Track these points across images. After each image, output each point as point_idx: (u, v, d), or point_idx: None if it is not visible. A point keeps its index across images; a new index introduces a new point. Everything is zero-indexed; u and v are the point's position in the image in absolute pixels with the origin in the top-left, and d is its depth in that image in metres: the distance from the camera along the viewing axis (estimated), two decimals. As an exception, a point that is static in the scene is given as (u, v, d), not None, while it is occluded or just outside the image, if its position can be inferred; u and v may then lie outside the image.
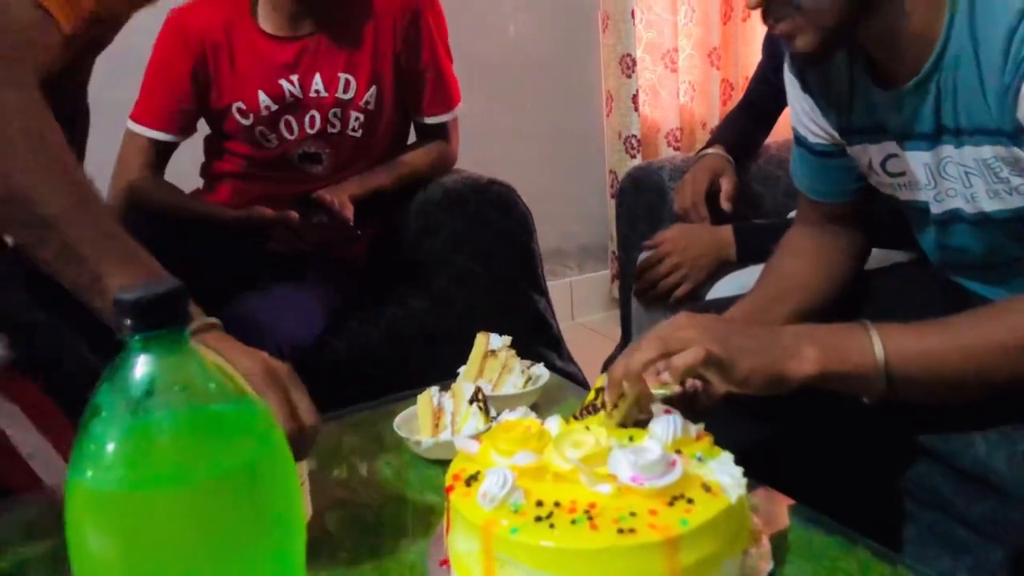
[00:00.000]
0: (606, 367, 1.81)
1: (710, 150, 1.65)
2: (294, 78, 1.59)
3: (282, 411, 0.77)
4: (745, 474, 0.72)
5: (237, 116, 1.60)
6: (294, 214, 1.51)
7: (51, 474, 0.93)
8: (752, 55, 2.76)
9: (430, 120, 1.72)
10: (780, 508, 0.84)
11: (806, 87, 1.12)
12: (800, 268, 1.16)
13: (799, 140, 1.17)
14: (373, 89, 1.62)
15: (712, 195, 1.57)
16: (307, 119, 1.61)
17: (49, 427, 0.95)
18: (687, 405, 0.99)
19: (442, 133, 1.76)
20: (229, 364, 0.74)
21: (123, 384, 0.41)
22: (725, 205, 1.55)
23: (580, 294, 2.90)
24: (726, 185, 1.57)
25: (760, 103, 1.75)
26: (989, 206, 0.99)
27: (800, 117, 1.14)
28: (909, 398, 0.90)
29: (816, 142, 1.14)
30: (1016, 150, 0.91)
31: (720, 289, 1.44)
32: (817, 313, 1.13)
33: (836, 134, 1.11)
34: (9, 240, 0.90)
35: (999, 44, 0.88)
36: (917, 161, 1.03)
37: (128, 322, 0.40)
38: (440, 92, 1.70)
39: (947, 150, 0.99)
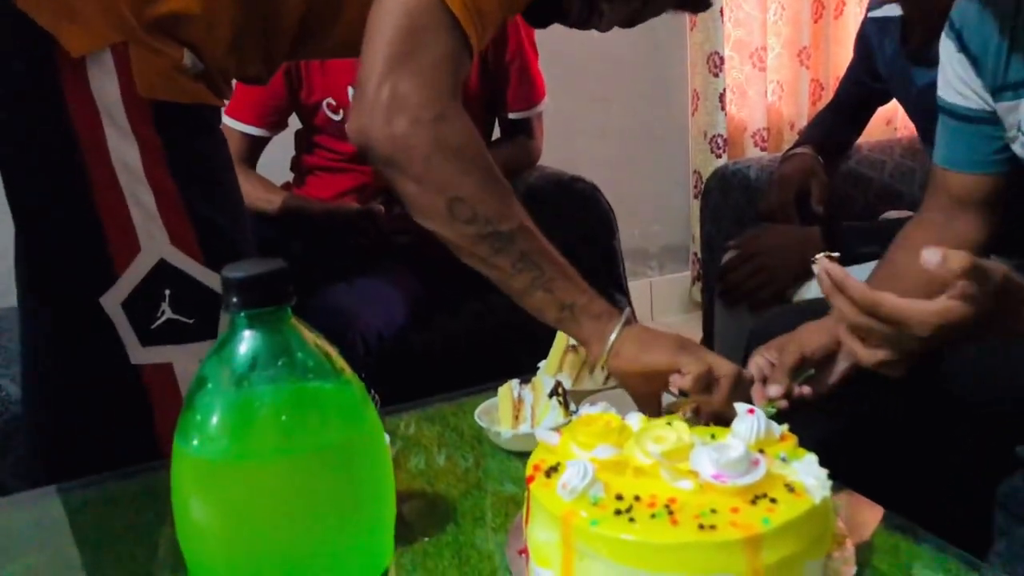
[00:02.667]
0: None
1: (799, 150, 1.62)
2: None
3: None
4: (831, 477, 0.70)
5: (327, 111, 1.64)
6: (379, 207, 1.54)
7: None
8: (843, 54, 2.69)
9: (514, 115, 1.73)
10: (868, 515, 0.82)
11: (962, 46, 1.10)
12: (915, 264, 1.14)
13: (944, 108, 1.16)
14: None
15: (801, 196, 1.54)
16: None
17: None
18: (794, 407, 1.00)
19: (526, 129, 1.76)
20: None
21: (229, 358, 0.43)
22: (817, 207, 1.52)
23: (660, 295, 2.87)
24: (816, 186, 1.54)
25: (851, 103, 1.71)
26: None
27: (950, 80, 1.13)
28: None
29: (961, 104, 1.13)
30: None
31: (808, 292, 1.42)
32: None
33: (988, 96, 1.09)
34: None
35: None
36: None
37: (235, 299, 0.42)
38: (524, 87, 1.71)
39: None
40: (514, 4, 0.97)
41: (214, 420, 0.43)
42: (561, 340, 1.05)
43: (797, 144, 1.66)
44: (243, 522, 0.42)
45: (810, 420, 1.09)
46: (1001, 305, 0.84)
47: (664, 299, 2.87)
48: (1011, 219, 1.15)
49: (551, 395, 0.94)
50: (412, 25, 0.87)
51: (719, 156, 2.68)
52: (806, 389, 1.02)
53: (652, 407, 0.96)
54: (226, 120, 1.70)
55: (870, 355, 0.90)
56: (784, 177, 1.55)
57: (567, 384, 1.00)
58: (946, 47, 1.13)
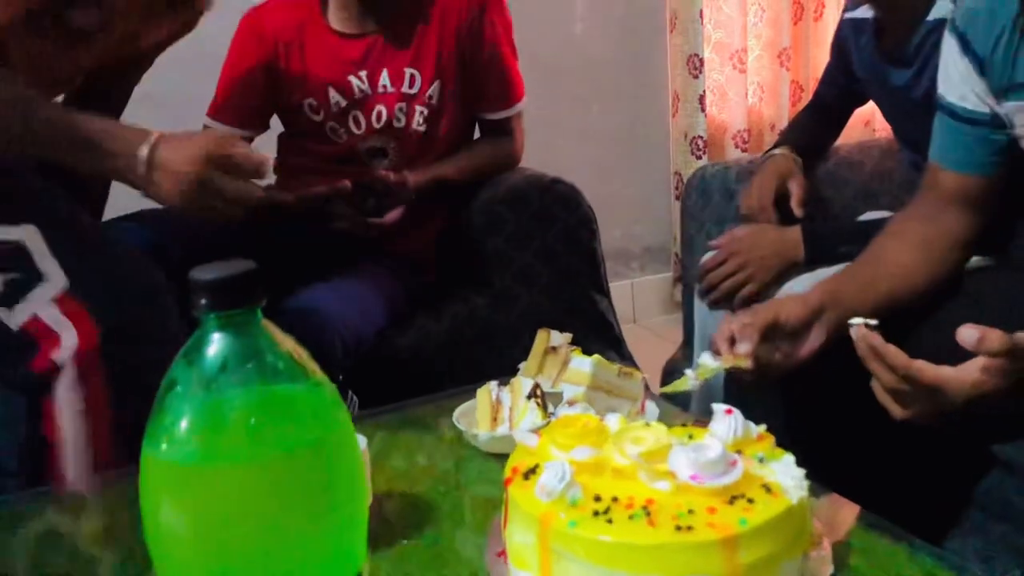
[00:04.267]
0: (667, 371, 1.80)
1: (777, 151, 1.63)
2: (363, 74, 1.62)
3: None
4: (808, 477, 0.71)
5: (308, 112, 1.63)
6: (346, 182, 1.50)
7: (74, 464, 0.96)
8: (823, 56, 2.70)
9: (493, 116, 1.73)
10: (845, 514, 0.82)
11: (965, 48, 1.11)
12: (901, 253, 1.15)
13: (943, 106, 1.17)
14: (437, 84, 1.63)
15: (780, 198, 1.55)
16: (374, 114, 1.63)
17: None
18: (762, 373, 1.01)
19: (505, 129, 1.76)
20: None
21: (198, 361, 0.43)
22: (796, 209, 1.53)
23: (642, 296, 2.88)
24: (795, 187, 1.54)
25: (829, 105, 1.72)
26: None
27: (952, 81, 1.14)
28: None
29: (964, 106, 1.14)
30: None
31: (787, 291, 1.42)
32: (911, 302, 1.12)
33: (991, 97, 1.10)
34: None
35: None
36: None
37: (204, 301, 0.42)
38: (503, 87, 1.71)
39: None
40: None
41: (183, 424, 0.42)
42: (541, 342, 1.05)
43: (776, 145, 1.67)
44: (213, 526, 0.42)
45: (778, 406, 1.10)
46: None
47: (646, 300, 2.88)
48: (991, 219, 1.16)
49: (529, 397, 0.94)
50: None
51: (699, 157, 2.69)
52: (776, 355, 1.03)
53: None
54: (208, 122, 1.69)
55: (903, 412, 0.92)
56: (763, 179, 1.56)
57: (546, 386, 1.00)
58: (949, 48, 1.14)
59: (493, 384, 0.99)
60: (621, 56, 2.71)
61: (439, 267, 1.71)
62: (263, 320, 0.44)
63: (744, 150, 2.75)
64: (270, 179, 1.77)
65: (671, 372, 1.79)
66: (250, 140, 1.71)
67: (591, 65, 2.67)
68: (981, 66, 1.10)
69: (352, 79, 1.62)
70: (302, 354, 0.45)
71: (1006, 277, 1.20)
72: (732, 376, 1.07)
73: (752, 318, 1.04)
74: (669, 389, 1.02)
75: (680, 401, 1.28)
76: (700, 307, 1.57)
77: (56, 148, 0.97)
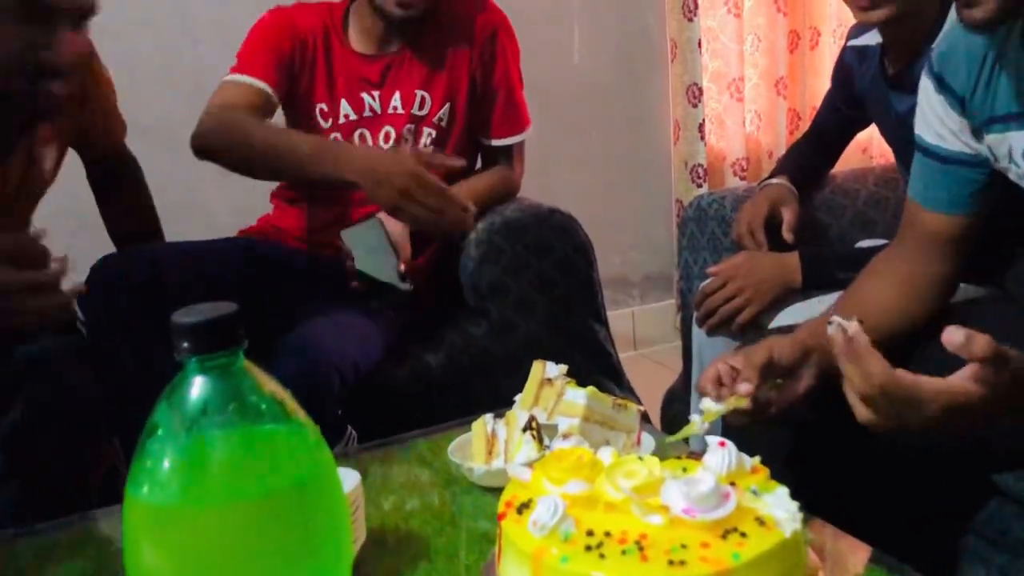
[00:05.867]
0: (667, 399, 1.80)
1: (773, 180, 1.63)
2: (376, 94, 1.64)
3: None
4: (802, 509, 0.70)
5: (319, 117, 1.65)
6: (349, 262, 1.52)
7: None
8: (819, 84, 2.73)
9: (498, 142, 1.74)
10: (856, 557, 0.82)
11: (942, 86, 1.12)
12: (883, 292, 1.15)
13: (922, 147, 1.17)
14: (447, 106, 1.65)
15: (774, 225, 1.55)
16: (382, 134, 1.65)
17: None
18: (760, 411, 1.00)
19: (507, 157, 1.77)
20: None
21: (179, 404, 0.43)
22: (787, 235, 1.53)
23: (643, 324, 2.88)
24: (788, 215, 1.55)
25: (827, 132, 1.73)
26: None
27: (929, 122, 1.14)
28: None
29: (941, 146, 1.14)
30: None
31: (784, 318, 1.42)
32: (895, 341, 1.11)
33: (970, 135, 1.11)
34: None
35: None
36: None
37: (185, 344, 0.42)
38: (510, 113, 1.72)
39: None
40: None
41: (164, 466, 0.43)
42: (536, 374, 1.05)
43: (772, 174, 1.67)
44: (195, 568, 0.42)
45: (775, 438, 1.09)
46: (1013, 393, 0.84)
47: (647, 328, 2.87)
48: (978, 249, 1.16)
49: (525, 430, 0.94)
50: None
51: (700, 185, 2.70)
52: (772, 394, 1.03)
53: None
54: (233, 76, 1.61)
55: (870, 417, 0.90)
56: (755, 206, 1.57)
57: (542, 418, 1.00)
58: (926, 89, 1.15)
59: (489, 417, 0.99)
60: (621, 85, 2.73)
61: (436, 297, 1.71)
62: (245, 362, 0.44)
63: (743, 178, 2.76)
64: (267, 207, 1.77)
65: (671, 401, 1.79)
66: (269, 105, 1.61)
67: (591, 94, 2.69)
68: (961, 104, 1.10)
69: (365, 97, 1.64)
70: (285, 395, 0.46)
71: (996, 311, 1.20)
72: (730, 423, 1.07)
73: (748, 358, 1.04)
74: (678, 436, 1.01)
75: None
76: (699, 335, 1.57)
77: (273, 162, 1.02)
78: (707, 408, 1.00)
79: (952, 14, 1.32)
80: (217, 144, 1.53)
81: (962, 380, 0.85)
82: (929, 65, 1.14)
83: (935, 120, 1.13)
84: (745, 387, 1.00)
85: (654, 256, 2.87)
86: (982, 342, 0.82)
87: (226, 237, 1.72)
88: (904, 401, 0.86)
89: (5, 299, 0.93)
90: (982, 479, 1.08)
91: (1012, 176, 1.09)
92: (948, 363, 1.07)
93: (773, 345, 1.06)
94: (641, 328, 2.87)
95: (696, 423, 0.99)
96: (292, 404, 0.46)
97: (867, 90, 1.53)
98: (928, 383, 0.86)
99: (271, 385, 0.45)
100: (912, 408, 0.86)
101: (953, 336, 0.82)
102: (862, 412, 0.90)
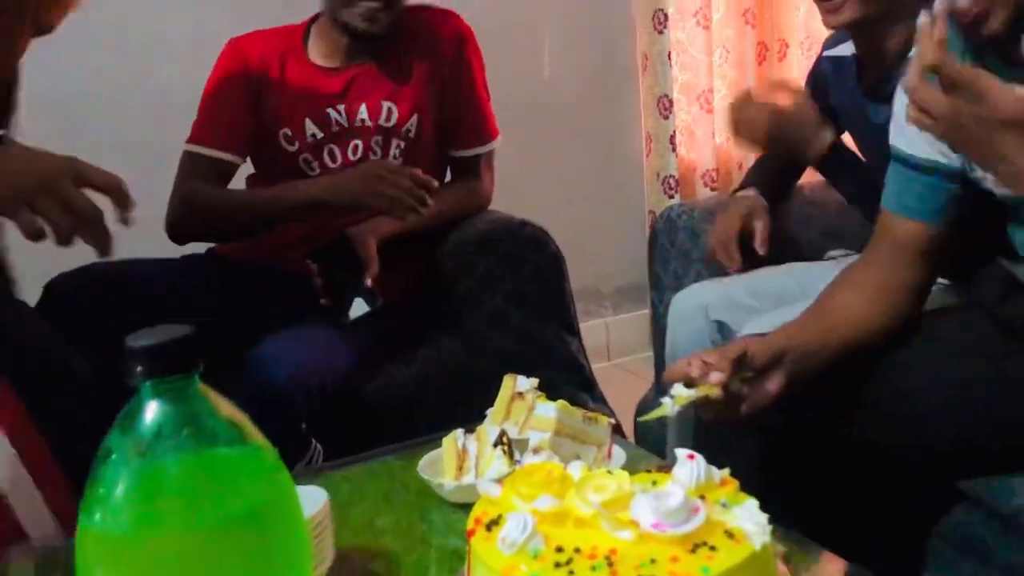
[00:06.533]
0: (640, 409, 1.80)
1: (742, 192, 1.65)
2: (341, 107, 1.64)
3: None
4: (772, 521, 0.70)
5: (284, 143, 1.64)
6: (312, 266, 1.52)
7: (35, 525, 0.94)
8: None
9: (467, 153, 1.75)
10: (817, 562, 0.82)
11: None
12: (855, 302, 1.16)
13: (897, 156, 1.19)
14: (415, 118, 1.65)
15: (745, 237, 1.56)
16: (350, 148, 1.65)
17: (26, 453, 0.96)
18: (731, 406, 1.01)
19: (477, 169, 1.77)
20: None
21: (133, 429, 0.42)
22: (759, 248, 1.54)
23: (617, 335, 2.88)
24: (759, 227, 1.56)
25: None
26: None
27: (904, 130, 1.16)
28: None
29: (914, 154, 1.16)
30: None
31: (747, 331, 1.43)
32: (866, 350, 1.12)
33: (943, 145, 1.12)
34: None
35: None
36: None
37: (139, 368, 0.41)
38: (477, 125, 1.73)
39: None
40: None
41: (118, 493, 0.42)
42: (507, 388, 1.04)
43: (741, 186, 1.69)
44: (151, 598, 0.41)
45: (745, 447, 1.10)
46: None
47: (622, 339, 2.88)
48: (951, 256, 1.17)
49: (495, 444, 0.94)
50: None
51: (671, 196, 2.71)
52: (743, 389, 1.03)
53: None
54: (190, 147, 1.64)
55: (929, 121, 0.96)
56: (727, 219, 1.57)
57: (513, 433, 0.99)
58: (900, 99, 1.16)
59: (459, 432, 0.99)
60: (592, 97, 2.74)
61: (409, 310, 1.70)
62: (201, 385, 0.44)
63: (714, 188, 2.77)
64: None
65: (644, 411, 1.79)
66: (234, 170, 1.67)
67: (563, 106, 2.70)
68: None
69: (330, 111, 1.63)
70: (242, 419, 0.45)
71: (966, 317, 1.22)
72: (701, 417, 1.07)
73: (722, 352, 1.04)
74: (649, 417, 1.01)
75: (654, 446, 1.28)
76: (674, 322, 1.56)
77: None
78: (678, 393, 1.01)
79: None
80: (191, 228, 1.62)
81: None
82: (904, 75, 1.15)
83: (910, 129, 1.15)
84: (716, 376, 1.01)
85: (627, 267, 2.88)
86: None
87: (195, 253, 1.71)
88: (973, 92, 0.92)
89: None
90: (949, 486, 1.09)
91: (987, 184, 1.11)
92: (924, 368, 1.09)
93: (748, 343, 1.07)
94: (615, 339, 2.87)
95: (667, 405, 1.00)
96: (250, 427, 0.45)
97: (843, 101, 1.54)
98: (1000, 84, 0.92)
99: (228, 408, 0.44)
100: (976, 106, 0.92)
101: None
102: (915, 115, 0.97)
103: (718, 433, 1.13)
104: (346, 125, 1.64)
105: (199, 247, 1.72)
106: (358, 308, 1.54)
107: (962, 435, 1.06)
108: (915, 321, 1.17)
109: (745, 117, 1.52)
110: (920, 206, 1.16)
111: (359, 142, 1.64)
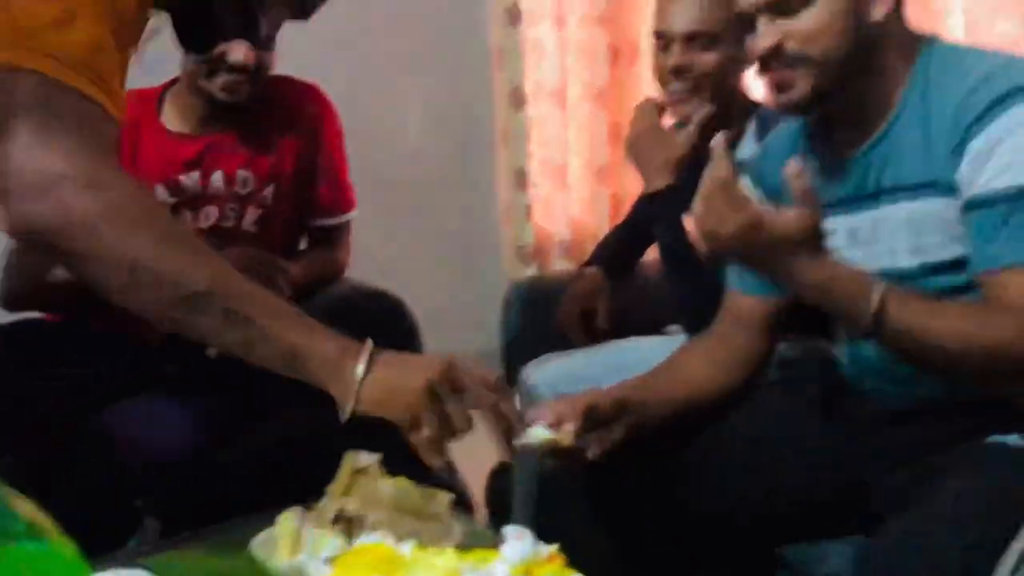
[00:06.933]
0: (492, 479, 1.82)
1: (588, 269, 1.73)
2: (194, 174, 1.62)
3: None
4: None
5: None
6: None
7: None
8: (638, 176, 2.89)
9: (324, 222, 1.76)
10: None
11: (758, 183, 1.24)
12: (698, 367, 1.25)
13: None
14: (272, 187, 1.65)
15: (588, 313, 1.64)
16: (202, 214, 1.63)
17: None
18: (577, 453, 1.05)
19: (334, 238, 1.78)
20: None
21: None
22: (602, 324, 1.62)
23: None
24: (602, 304, 1.64)
25: (640, 223, 1.84)
26: (906, 262, 1.09)
27: None
28: (896, 344, 1.04)
29: None
30: (948, 201, 1.05)
31: (542, 374, 1.51)
32: (705, 411, 1.20)
33: None
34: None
35: (954, 105, 1.03)
36: (858, 224, 1.13)
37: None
38: (335, 195, 1.75)
39: (886, 210, 1.11)
40: (123, 36, 0.89)
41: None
42: (348, 464, 1.05)
43: (589, 262, 1.77)
44: None
45: (586, 530, 1.14)
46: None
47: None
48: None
49: (333, 522, 0.94)
50: (39, 103, 0.83)
51: (528, 265, 2.79)
52: (590, 440, 1.09)
53: (426, 436, 0.97)
54: None
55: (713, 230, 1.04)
56: (572, 296, 1.65)
57: (352, 509, 0.99)
58: (744, 183, 1.22)
59: (298, 509, 0.98)
60: (454, 168, 2.81)
61: (260, 381, 1.67)
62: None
63: (569, 259, 2.87)
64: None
65: (497, 474, 1.81)
66: None
67: (425, 176, 2.75)
68: (773, 197, 1.21)
69: (183, 178, 1.61)
70: (38, 514, 0.44)
71: (791, 392, 1.31)
72: (545, 465, 1.11)
73: (572, 403, 1.10)
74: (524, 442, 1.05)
75: (503, 509, 1.30)
76: (532, 379, 1.61)
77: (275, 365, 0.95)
78: (536, 432, 1.06)
79: (751, 128, 1.46)
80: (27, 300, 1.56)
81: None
82: (744, 163, 1.26)
83: None
84: (568, 427, 1.06)
85: (484, 335, 2.91)
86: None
87: (30, 319, 1.63)
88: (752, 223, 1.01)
89: None
90: (767, 551, 1.16)
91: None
92: (745, 438, 1.16)
93: (595, 395, 1.13)
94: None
95: (531, 433, 1.05)
96: (47, 523, 0.44)
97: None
98: (773, 214, 1.04)
99: (24, 505, 0.44)
100: (757, 232, 1.01)
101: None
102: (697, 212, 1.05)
103: (558, 498, 1.17)
104: (199, 192, 1.62)
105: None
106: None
107: (779, 503, 1.14)
108: (753, 387, 1.26)
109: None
110: (760, 281, 1.25)
111: (212, 209, 1.63)
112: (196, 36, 1.07)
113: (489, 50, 2.79)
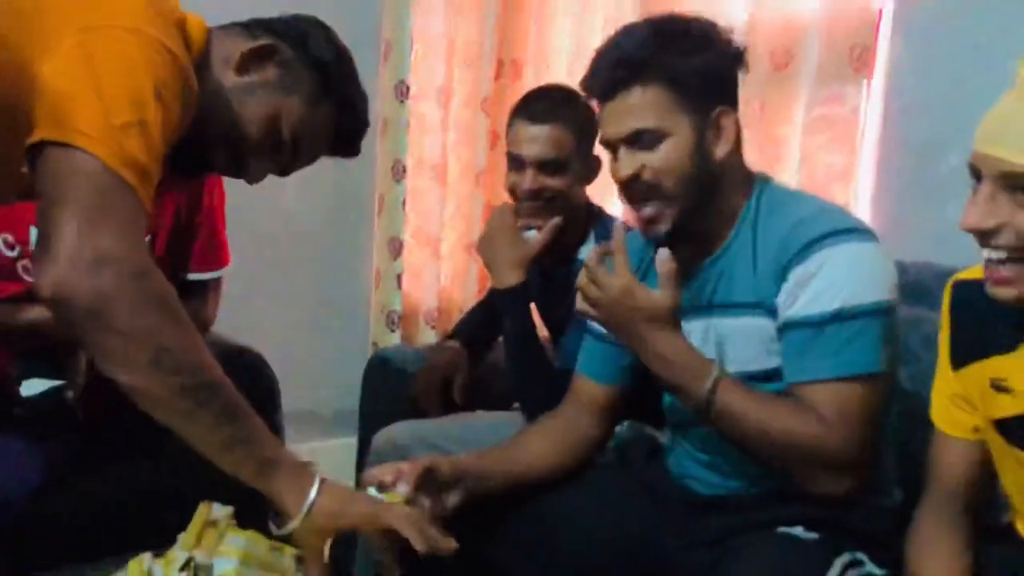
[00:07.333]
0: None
1: (448, 343, 1.84)
2: None
3: None
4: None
5: (3, 248, 1.60)
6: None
7: None
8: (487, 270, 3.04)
9: (195, 276, 1.78)
10: None
11: None
12: (539, 443, 1.39)
13: (589, 330, 1.42)
14: (147, 237, 1.67)
15: (445, 386, 1.74)
16: None
17: None
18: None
19: (202, 293, 1.81)
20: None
21: None
22: (456, 398, 1.73)
23: (326, 459, 2.92)
24: (458, 378, 1.75)
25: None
26: (731, 370, 1.25)
27: None
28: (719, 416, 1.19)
29: (597, 327, 1.38)
30: (768, 320, 1.23)
31: (386, 435, 1.61)
32: (540, 485, 1.33)
33: None
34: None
35: (775, 242, 1.22)
36: (690, 331, 1.28)
37: None
38: (210, 251, 1.79)
39: (716, 322, 1.28)
40: (157, 155, 1.02)
41: None
42: (201, 515, 1.10)
43: (448, 337, 1.88)
44: None
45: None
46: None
47: (329, 463, 2.90)
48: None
49: (182, 569, 0.99)
50: (97, 188, 0.93)
51: (394, 331, 2.88)
52: (425, 502, 1.20)
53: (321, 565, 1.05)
54: None
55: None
56: (430, 368, 1.75)
57: (202, 559, 1.05)
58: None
59: (147, 556, 1.03)
60: (329, 232, 2.88)
61: (112, 427, 1.68)
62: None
63: (434, 327, 2.97)
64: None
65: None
66: None
67: (301, 238, 2.81)
68: None
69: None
70: None
71: (618, 474, 1.46)
72: None
73: (412, 465, 1.21)
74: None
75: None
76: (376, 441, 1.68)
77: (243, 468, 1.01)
78: (370, 495, 1.16)
79: (592, 232, 1.63)
80: None
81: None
82: (581, 265, 1.41)
83: None
84: (403, 487, 1.16)
85: (346, 395, 2.97)
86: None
87: None
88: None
89: None
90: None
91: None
92: (572, 516, 1.29)
93: (435, 459, 1.24)
94: (324, 463, 2.91)
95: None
96: None
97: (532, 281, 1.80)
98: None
99: None
100: (615, 276, 1.19)
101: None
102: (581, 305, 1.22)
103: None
104: None
105: None
106: (34, 387, 1.51)
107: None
108: (588, 467, 1.40)
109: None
110: (600, 370, 1.41)
111: None
112: (186, 166, 1.18)
113: (375, 121, 2.90)
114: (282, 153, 1.23)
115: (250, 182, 1.27)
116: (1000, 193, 0.94)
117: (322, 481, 1.04)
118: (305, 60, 1.23)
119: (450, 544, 1.06)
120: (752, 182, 1.30)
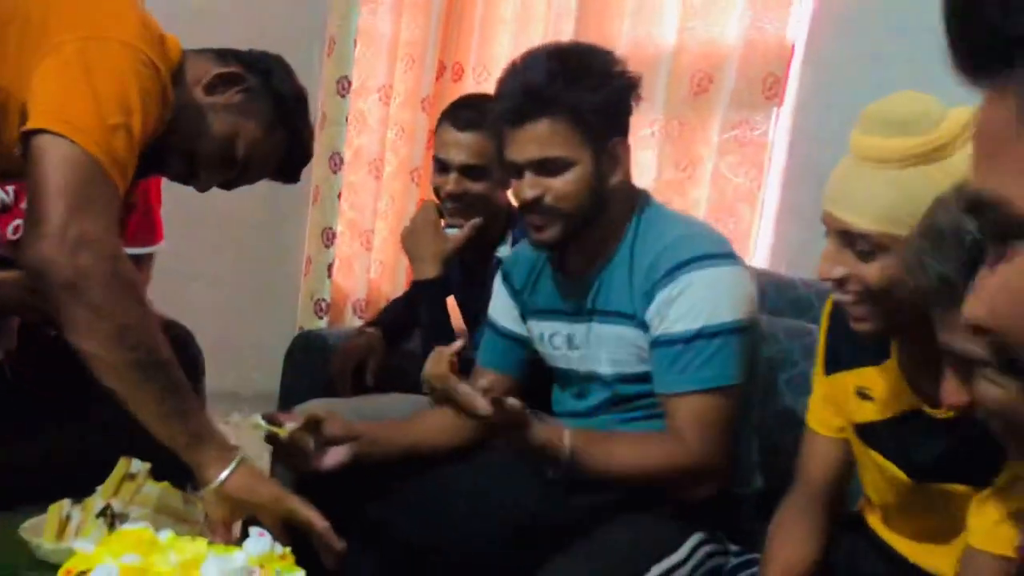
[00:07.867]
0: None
1: (367, 329, 1.94)
2: (9, 188, 1.68)
3: None
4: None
5: None
6: None
7: None
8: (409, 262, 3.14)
9: (129, 251, 1.84)
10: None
11: (506, 279, 1.54)
12: (434, 421, 1.49)
13: (490, 325, 1.55)
14: None
15: (359, 368, 1.85)
16: (11, 227, 1.68)
17: None
18: (294, 455, 1.33)
19: (136, 267, 1.88)
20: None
21: None
22: (368, 380, 1.84)
23: (245, 437, 3.00)
24: (372, 362, 1.85)
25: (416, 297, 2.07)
26: (606, 369, 1.39)
27: (496, 304, 1.55)
28: (585, 470, 1.29)
29: (501, 323, 1.53)
30: (639, 332, 1.35)
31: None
32: (430, 454, 1.46)
33: (521, 319, 1.51)
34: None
35: (648, 261, 1.34)
36: (575, 332, 1.41)
37: None
38: (143, 228, 1.85)
39: (596, 326, 1.40)
40: (135, 156, 1.16)
41: None
42: (121, 468, 1.19)
43: (368, 324, 1.98)
44: None
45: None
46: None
47: (249, 439, 3.00)
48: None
49: (99, 515, 1.08)
50: (85, 178, 1.07)
51: (321, 318, 2.96)
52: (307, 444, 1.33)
53: (225, 533, 1.14)
54: None
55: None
56: (346, 351, 1.85)
57: (118, 507, 1.14)
58: (497, 280, 1.56)
59: (66, 501, 1.11)
60: (265, 218, 2.95)
61: (41, 389, 1.73)
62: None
63: (361, 317, 3.06)
64: None
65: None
66: None
67: (237, 222, 2.87)
68: (516, 294, 1.50)
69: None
70: None
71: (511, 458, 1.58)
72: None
73: (308, 408, 1.32)
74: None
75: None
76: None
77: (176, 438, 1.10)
78: (257, 421, 1.32)
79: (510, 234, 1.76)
80: None
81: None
82: (501, 263, 1.58)
83: (499, 304, 1.55)
84: (291, 425, 1.31)
85: (269, 376, 3.03)
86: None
87: None
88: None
89: None
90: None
91: (542, 353, 1.51)
92: (476, 484, 1.41)
93: (330, 413, 1.38)
94: (244, 439, 2.98)
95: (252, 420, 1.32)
96: None
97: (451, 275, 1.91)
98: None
99: None
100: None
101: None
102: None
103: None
104: (9, 203, 1.70)
105: None
106: None
107: (485, 542, 1.38)
108: (478, 447, 1.51)
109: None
110: (498, 361, 1.52)
111: (20, 222, 1.70)
112: (142, 167, 1.27)
113: (315, 114, 2.98)
114: (232, 170, 1.36)
115: (199, 190, 1.37)
116: (843, 248, 1.04)
117: (241, 460, 1.14)
118: (267, 91, 1.37)
119: (342, 545, 1.16)
120: (635, 203, 1.42)
